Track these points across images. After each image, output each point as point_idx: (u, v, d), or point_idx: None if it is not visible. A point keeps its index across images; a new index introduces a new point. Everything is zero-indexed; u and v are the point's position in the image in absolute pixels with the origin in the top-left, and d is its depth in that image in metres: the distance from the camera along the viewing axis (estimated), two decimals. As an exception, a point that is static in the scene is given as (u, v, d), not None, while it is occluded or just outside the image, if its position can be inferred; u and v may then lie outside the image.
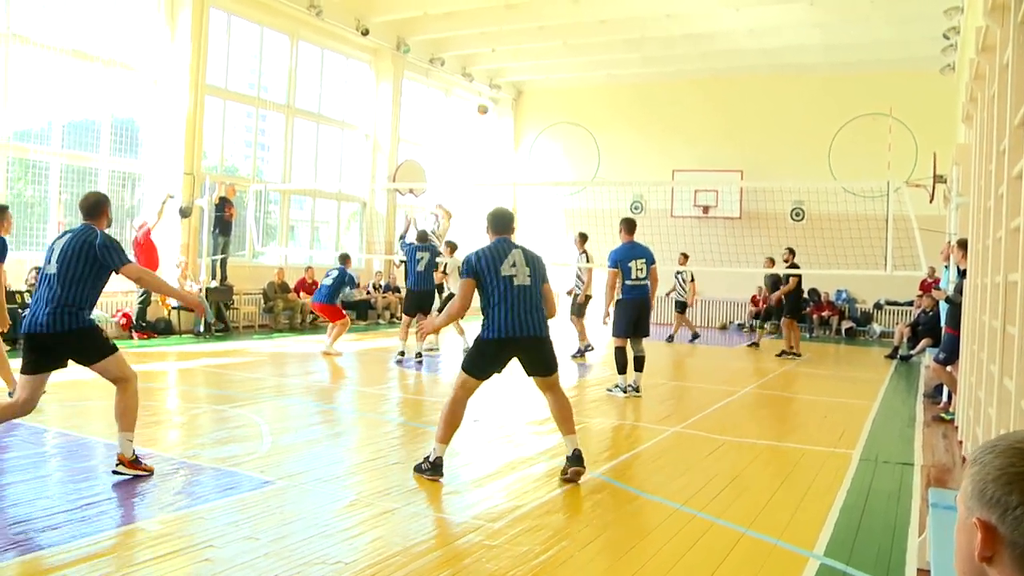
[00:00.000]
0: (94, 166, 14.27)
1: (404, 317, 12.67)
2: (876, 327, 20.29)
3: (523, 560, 4.19)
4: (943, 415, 9.10)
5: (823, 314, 20.38)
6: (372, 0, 18.28)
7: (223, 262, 15.40)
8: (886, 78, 19.68)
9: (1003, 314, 5.18)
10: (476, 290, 5.69)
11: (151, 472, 5.44)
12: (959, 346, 8.40)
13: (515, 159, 25.20)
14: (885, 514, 5.35)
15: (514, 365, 5.83)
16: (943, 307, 9.77)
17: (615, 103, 23.53)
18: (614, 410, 8.85)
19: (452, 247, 14.03)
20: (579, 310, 13.53)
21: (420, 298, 12.36)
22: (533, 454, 6.59)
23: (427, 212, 16.26)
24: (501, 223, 5.89)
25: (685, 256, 17.53)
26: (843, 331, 20.26)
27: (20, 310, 11.03)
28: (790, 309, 15.04)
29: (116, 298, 13.74)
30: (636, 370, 9.67)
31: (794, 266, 14.73)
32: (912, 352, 14.74)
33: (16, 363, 6.03)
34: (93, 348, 5.35)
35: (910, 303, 18.89)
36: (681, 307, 17.93)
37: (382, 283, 19.50)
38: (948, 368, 9.01)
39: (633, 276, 9.57)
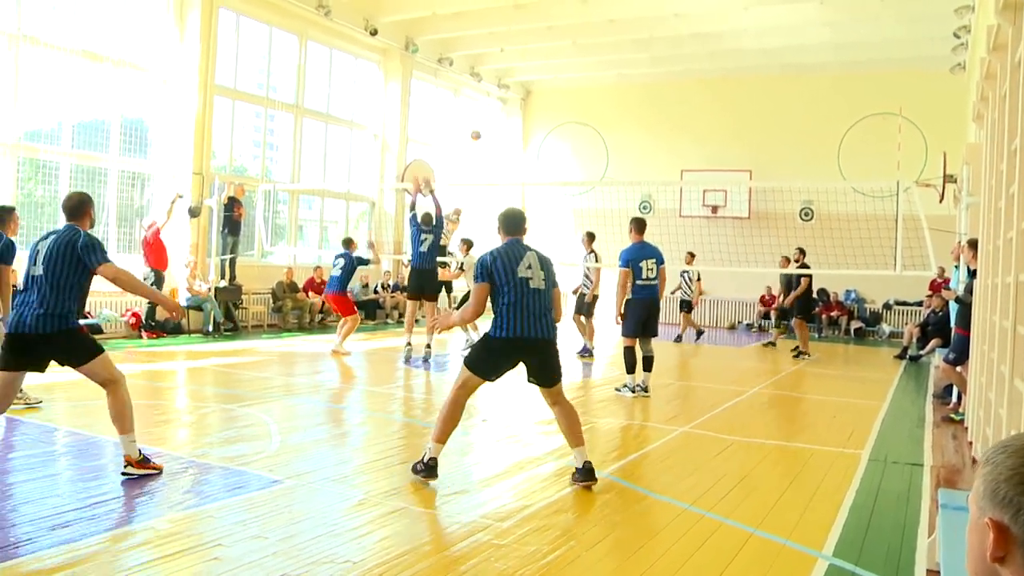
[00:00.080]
0: (104, 166, 14.32)
1: (408, 304, 12.65)
2: (885, 327, 20.22)
3: (531, 560, 4.19)
4: (953, 416, 9.06)
5: (832, 314, 20.33)
6: (381, 0, 18.30)
7: (232, 262, 15.43)
8: (896, 77, 19.61)
9: (1014, 314, 5.16)
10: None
11: (160, 470, 5.45)
12: (969, 346, 8.36)
13: (524, 159, 25.19)
14: (894, 515, 5.33)
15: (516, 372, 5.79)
16: (953, 307, 9.73)
17: (624, 103, 23.50)
18: (622, 410, 8.84)
19: (468, 244, 14.03)
20: (588, 310, 13.51)
21: (421, 277, 12.34)
22: (541, 454, 6.58)
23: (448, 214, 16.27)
24: (513, 224, 5.81)
25: (691, 255, 17.52)
26: (852, 331, 20.20)
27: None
28: (800, 309, 15.01)
29: (126, 298, 13.77)
30: (645, 370, 9.66)
31: (804, 266, 14.69)
32: (921, 352, 14.69)
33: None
34: (81, 349, 5.35)
35: (919, 303, 18.83)
36: (687, 306, 17.91)
37: (390, 283, 19.51)
38: (958, 368, 8.97)
39: (644, 276, 9.58)
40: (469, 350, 5.68)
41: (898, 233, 11.74)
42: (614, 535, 4.74)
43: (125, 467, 5.36)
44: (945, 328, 12.06)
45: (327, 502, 5.14)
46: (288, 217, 18.47)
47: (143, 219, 14.71)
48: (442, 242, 13.70)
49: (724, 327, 21.91)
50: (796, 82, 21.22)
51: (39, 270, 5.27)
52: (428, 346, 12.12)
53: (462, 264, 13.63)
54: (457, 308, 11.23)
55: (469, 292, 8.52)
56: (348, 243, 13.30)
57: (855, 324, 20.33)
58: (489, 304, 5.62)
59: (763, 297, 21.07)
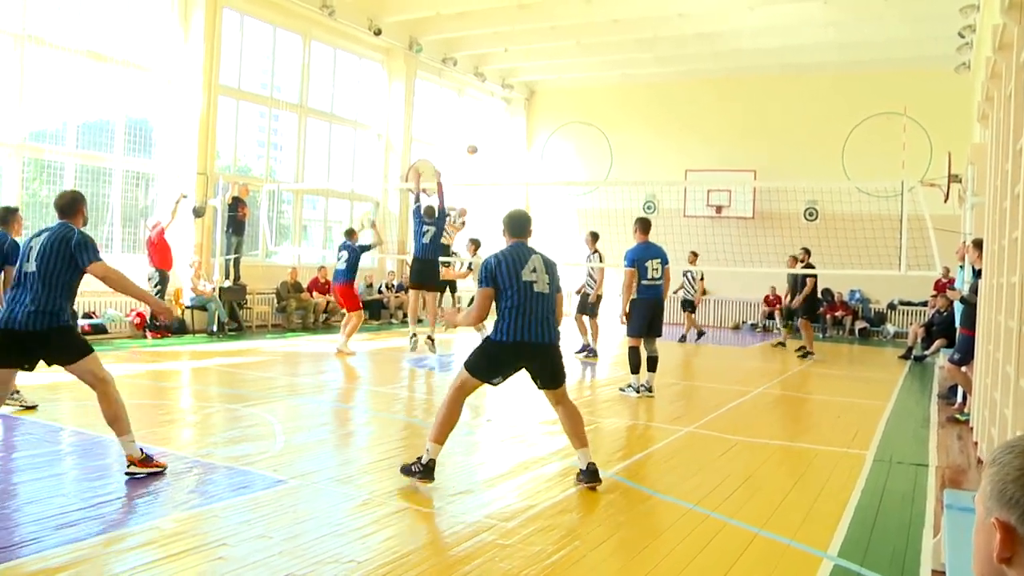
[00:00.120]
0: (108, 166, 14.34)
1: (411, 295, 12.68)
2: (890, 327, 20.19)
3: (536, 560, 4.19)
4: (958, 416, 9.05)
5: (836, 314, 20.30)
6: (385, 0, 18.31)
7: (236, 262, 15.45)
8: (900, 77, 19.58)
9: (1019, 314, 5.15)
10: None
11: (164, 468, 5.46)
12: (974, 347, 8.35)
13: (528, 159, 25.19)
14: (899, 515, 5.32)
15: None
16: (958, 307, 9.72)
17: (628, 103, 23.49)
18: (627, 410, 8.84)
19: (476, 244, 14.03)
20: (592, 310, 13.50)
21: (423, 267, 12.36)
22: (546, 454, 6.58)
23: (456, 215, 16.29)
24: (518, 226, 5.74)
25: (695, 255, 17.52)
26: (856, 331, 20.17)
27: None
28: (805, 309, 14.99)
29: (131, 298, 13.78)
30: (649, 370, 9.66)
31: (809, 266, 14.68)
32: (926, 352, 14.67)
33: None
34: (71, 347, 5.34)
35: (924, 303, 18.80)
36: (690, 306, 17.91)
37: (394, 283, 19.52)
38: (963, 369, 8.96)
39: (649, 276, 9.59)
40: (471, 352, 5.61)
41: (903, 233, 11.72)
42: (619, 535, 4.74)
43: (129, 467, 5.36)
44: (950, 328, 12.05)
45: (331, 502, 5.14)
46: (292, 217, 18.49)
47: (147, 219, 14.72)
48: (444, 240, 13.70)
49: (728, 327, 21.89)
50: (800, 82, 21.19)
51: (32, 267, 5.26)
52: (430, 337, 12.16)
53: (470, 264, 13.64)
54: (470, 305, 11.24)
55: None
56: (350, 234, 13.30)
57: (859, 324, 20.30)
58: (494, 306, 5.60)
59: (767, 297, 21.04)
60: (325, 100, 18.93)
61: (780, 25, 17.92)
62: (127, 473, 5.34)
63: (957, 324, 9.64)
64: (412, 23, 19.34)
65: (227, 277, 15.27)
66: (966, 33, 15.85)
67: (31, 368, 5.39)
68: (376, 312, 18.73)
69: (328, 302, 16.90)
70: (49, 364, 5.36)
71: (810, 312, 15.18)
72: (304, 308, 16.75)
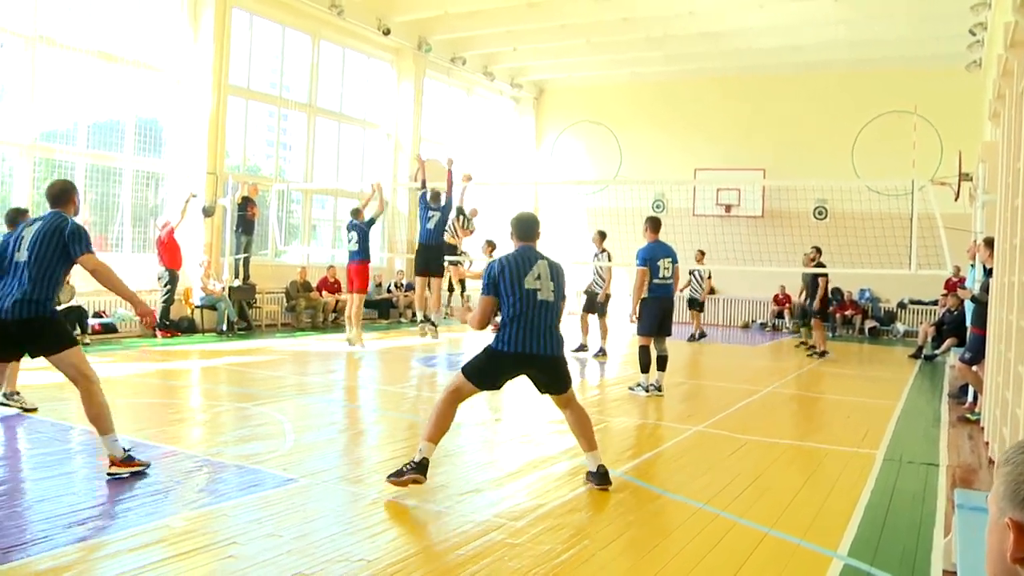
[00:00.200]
0: (118, 166, 14.38)
1: (417, 281, 12.69)
2: (900, 326, 20.12)
3: (545, 559, 4.19)
4: (969, 415, 9.01)
5: (846, 313, 20.24)
6: (393, 0, 18.32)
7: (246, 261, 15.47)
8: (911, 75, 19.50)
9: (1031, 313, 5.13)
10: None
11: (147, 466, 5.37)
12: (985, 346, 8.31)
13: (537, 158, 25.18)
14: (910, 514, 5.30)
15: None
16: (969, 306, 9.68)
17: (637, 101, 23.47)
18: (636, 409, 8.83)
19: (492, 246, 14.04)
20: (601, 309, 13.49)
21: (427, 253, 12.38)
22: (555, 453, 6.57)
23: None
24: (525, 230, 5.57)
25: (702, 253, 17.50)
26: (866, 330, 20.11)
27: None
28: (820, 309, 14.92)
29: (140, 297, 13.81)
30: (659, 369, 9.65)
31: (820, 265, 14.63)
32: (936, 352, 14.61)
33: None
34: (54, 338, 5.28)
35: (934, 302, 18.74)
36: (698, 305, 17.87)
37: (403, 282, 19.53)
38: (974, 368, 8.92)
39: (661, 275, 9.58)
40: (473, 357, 5.52)
41: (913, 232, 11.68)
42: (628, 534, 4.73)
43: (110, 467, 5.26)
44: (961, 327, 12.00)
45: (341, 501, 5.15)
46: (301, 216, 18.52)
47: (157, 219, 14.77)
48: (451, 240, 13.70)
49: (738, 326, 21.84)
50: (810, 80, 21.12)
51: (23, 255, 5.22)
52: (433, 323, 12.20)
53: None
54: None
55: None
56: (356, 213, 13.24)
57: (869, 323, 20.24)
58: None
59: (776, 296, 21.00)
60: (334, 100, 18.96)
61: (790, 23, 17.87)
62: (109, 474, 5.24)
63: (968, 323, 9.60)
64: (421, 22, 19.34)
65: (237, 276, 15.29)
66: (977, 31, 15.79)
67: (16, 359, 5.35)
68: (385, 311, 18.75)
69: (337, 301, 16.92)
70: (33, 356, 5.33)
71: (822, 311, 15.14)
72: (313, 307, 16.78)
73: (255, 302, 15.89)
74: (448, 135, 22.46)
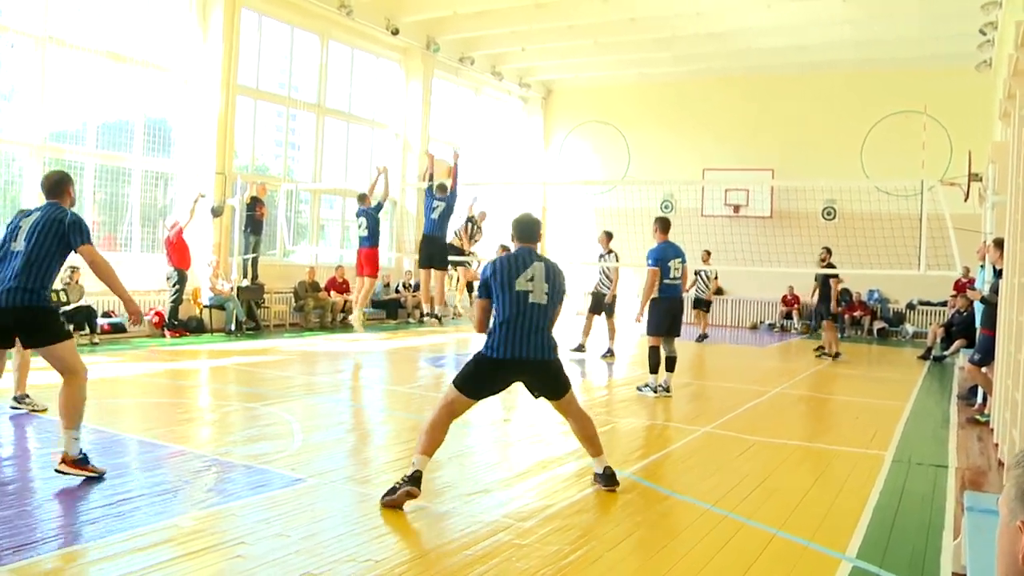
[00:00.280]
0: (127, 166, 14.43)
1: (421, 274, 12.70)
2: (909, 327, 20.06)
3: (553, 559, 4.19)
4: (978, 417, 8.97)
5: (855, 314, 20.19)
6: (402, 0, 18.34)
7: (254, 261, 15.51)
8: (920, 75, 19.44)
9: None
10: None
11: (101, 475, 5.23)
12: (995, 347, 8.28)
13: (545, 158, 25.18)
14: (919, 516, 5.29)
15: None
16: (978, 307, 9.65)
17: (645, 101, 23.45)
18: (644, 410, 8.81)
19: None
20: (609, 309, 13.48)
21: (431, 245, 12.37)
22: (563, 453, 6.56)
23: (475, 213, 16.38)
24: (524, 231, 5.46)
25: (708, 253, 17.47)
26: (875, 331, 20.06)
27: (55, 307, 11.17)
28: (829, 310, 14.86)
29: (149, 296, 13.90)
30: (668, 370, 9.64)
31: (831, 265, 14.58)
32: (945, 353, 14.55)
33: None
34: (47, 329, 5.26)
35: (944, 303, 18.68)
36: (705, 305, 17.83)
37: (412, 282, 19.54)
38: (984, 369, 8.89)
39: (671, 275, 9.57)
40: (463, 366, 5.38)
41: (922, 232, 11.64)
42: (636, 535, 4.73)
43: (60, 464, 5.18)
44: (970, 328, 11.95)
45: (349, 501, 5.16)
46: (310, 216, 18.55)
47: (166, 219, 14.82)
48: (456, 243, 13.71)
49: (746, 327, 21.81)
50: (819, 80, 21.07)
51: (20, 245, 5.21)
52: (436, 316, 12.21)
53: None
54: None
55: None
56: (363, 198, 13.21)
57: (878, 324, 20.20)
58: None
59: (785, 297, 20.97)
60: (343, 100, 18.98)
61: (798, 23, 17.83)
62: (56, 471, 5.17)
63: (977, 324, 9.56)
64: (429, 23, 19.36)
65: (245, 276, 15.33)
66: (988, 30, 15.72)
67: (7, 345, 5.34)
68: (393, 311, 18.77)
69: (346, 301, 16.94)
70: (25, 345, 5.32)
71: (832, 312, 15.07)
72: (322, 307, 16.80)
73: (263, 302, 15.92)
74: (456, 135, 22.46)
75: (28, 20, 12.62)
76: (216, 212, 15.11)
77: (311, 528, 4.55)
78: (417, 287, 19.17)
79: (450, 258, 13.71)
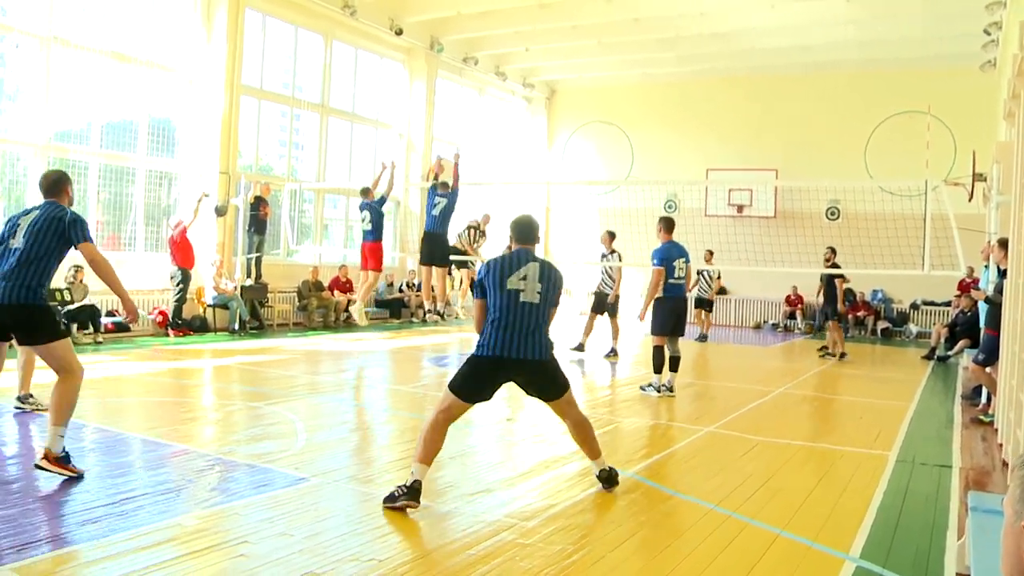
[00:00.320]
0: (132, 166, 14.44)
1: (423, 271, 12.70)
2: (913, 327, 20.03)
3: (556, 559, 4.19)
4: (982, 417, 8.96)
5: (859, 314, 20.16)
6: (406, 0, 18.35)
7: (258, 260, 15.52)
8: (924, 75, 19.41)
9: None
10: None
11: (80, 475, 5.21)
12: (999, 347, 8.27)
13: (549, 158, 25.18)
14: (923, 517, 5.28)
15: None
16: (982, 307, 9.63)
17: (649, 101, 23.44)
18: (647, 409, 8.81)
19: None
20: (612, 309, 13.47)
21: (432, 242, 12.38)
22: (566, 453, 6.56)
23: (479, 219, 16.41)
24: (522, 232, 5.42)
25: (710, 253, 17.47)
26: (879, 331, 20.03)
27: (59, 307, 11.20)
28: (834, 310, 14.84)
29: (153, 296, 13.92)
30: (671, 370, 9.64)
31: (835, 265, 14.56)
32: (949, 353, 14.54)
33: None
34: (44, 327, 5.27)
35: (948, 303, 18.65)
36: (708, 305, 17.83)
37: (415, 281, 19.54)
38: (988, 369, 8.88)
39: (676, 275, 9.58)
40: (457, 370, 5.33)
41: (926, 232, 11.62)
42: (639, 535, 4.73)
43: (41, 459, 5.18)
44: (974, 329, 11.94)
45: (352, 500, 5.16)
46: (314, 216, 18.56)
47: (170, 218, 14.84)
48: (459, 246, 13.71)
49: (749, 326, 21.79)
50: (823, 80, 21.05)
51: (19, 243, 5.23)
52: (437, 312, 12.21)
53: None
54: None
55: None
56: (366, 192, 13.18)
57: (882, 324, 20.17)
58: None
59: (788, 297, 20.95)
60: (346, 100, 18.99)
61: (801, 23, 17.81)
62: (36, 465, 5.18)
63: (982, 324, 9.55)
64: (433, 23, 19.36)
65: (249, 276, 15.34)
66: (992, 30, 15.70)
67: (7, 340, 5.36)
68: (397, 311, 18.77)
69: (349, 301, 16.94)
70: (21, 343, 5.33)
71: (837, 312, 15.05)
72: (325, 307, 16.81)
73: (267, 301, 15.93)
74: (460, 135, 22.46)
75: (33, 20, 12.64)
76: (220, 211, 15.12)
77: (314, 527, 4.55)
78: (420, 287, 19.21)
79: (453, 259, 13.71)
